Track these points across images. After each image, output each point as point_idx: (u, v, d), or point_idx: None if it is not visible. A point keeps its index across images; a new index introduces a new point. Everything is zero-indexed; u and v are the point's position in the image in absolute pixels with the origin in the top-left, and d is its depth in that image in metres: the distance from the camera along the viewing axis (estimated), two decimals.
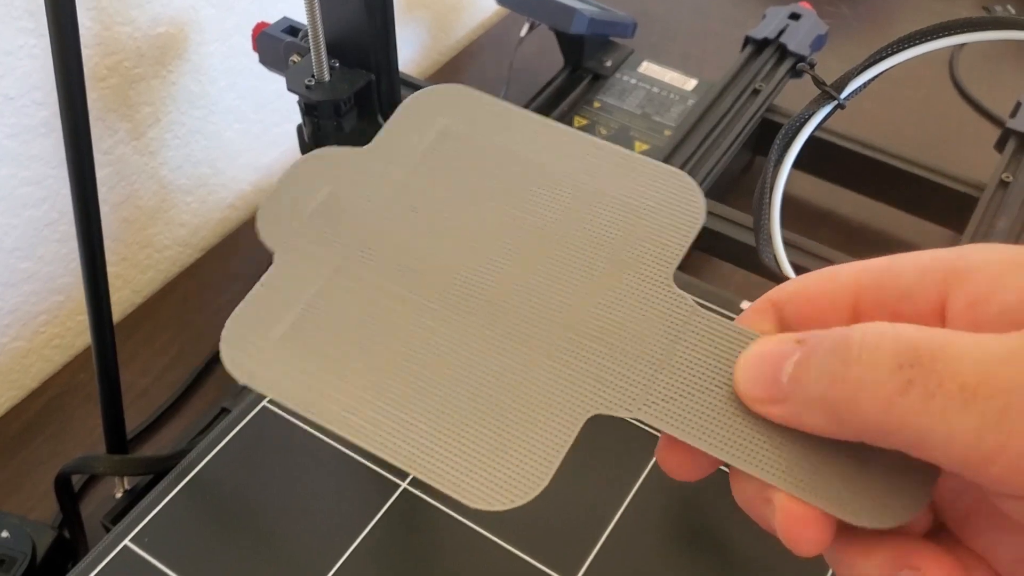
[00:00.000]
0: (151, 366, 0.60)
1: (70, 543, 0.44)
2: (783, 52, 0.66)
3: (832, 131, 0.63)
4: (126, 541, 0.39)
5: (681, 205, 0.25)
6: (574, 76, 0.71)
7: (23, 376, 0.60)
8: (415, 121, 0.27)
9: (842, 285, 0.21)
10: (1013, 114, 0.61)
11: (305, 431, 0.43)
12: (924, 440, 0.17)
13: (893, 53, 0.50)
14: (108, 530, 0.48)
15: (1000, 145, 0.60)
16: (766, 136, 0.63)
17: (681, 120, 0.65)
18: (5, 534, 0.42)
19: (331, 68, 0.50)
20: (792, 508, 0.20)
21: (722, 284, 0.61)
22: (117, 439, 0.50)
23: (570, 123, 0.67)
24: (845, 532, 0.20)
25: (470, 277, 0.24)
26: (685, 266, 0.25)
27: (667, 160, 0.60)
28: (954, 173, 0.61)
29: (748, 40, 0.67)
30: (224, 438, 0.43)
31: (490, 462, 0.22)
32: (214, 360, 0.60)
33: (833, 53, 0.69)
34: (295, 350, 0.24)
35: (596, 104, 0.68)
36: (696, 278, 0.48)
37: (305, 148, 0.54)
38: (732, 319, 0.23)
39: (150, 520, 0.40)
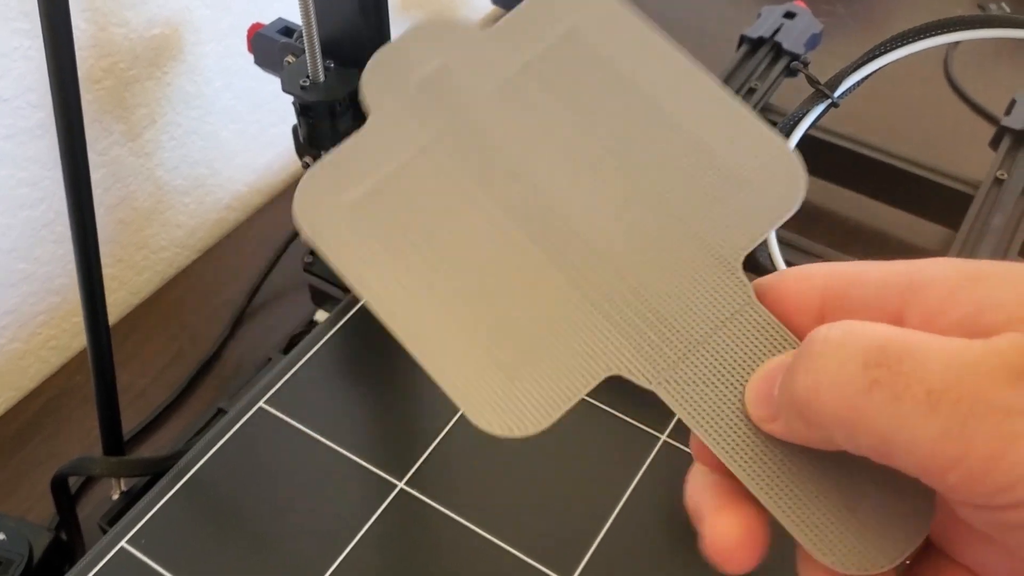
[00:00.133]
0: (148, 367, 0.60)
1: (67, 545, 0.44)
2: (778, 51, 0.66)
3: (827, 129, 0.63)
4: (123, 543, 0.39)
5: (780, 191, 0.23)
6: None
7: (20, 377, 0.60)
8: (546, 12, 0.26)
9: (812, 286, 0.21)
10: (1008, 112, 0.61)
11: (302, 432, 0.43)
12: (887, 443, 0.17)
13: (886, 51, 0.50)
14: (105, 532, 0.48)
15: (995, 143, 0.60)
16: None
17: None
18: (1, 536, 0.42)
19: (326, 69, 0.50)
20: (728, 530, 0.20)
21: None
22: (114, 440, 0.50)
23: None
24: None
25: (549, 202, 0.24)
26: None
27: None
28: (949, 171, 0.61)
29: (743, 39, 0.67)
30: (221, 439, 0.43)
31: (501, 386, 0.22)
32: (211, 361, 0.60)
33: (828, 52, 0.69)
34: (362, 221, 0.23)
35: None
36: None
37: (300, 149, 0.53)
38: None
39: (147, 521, 0.40)
